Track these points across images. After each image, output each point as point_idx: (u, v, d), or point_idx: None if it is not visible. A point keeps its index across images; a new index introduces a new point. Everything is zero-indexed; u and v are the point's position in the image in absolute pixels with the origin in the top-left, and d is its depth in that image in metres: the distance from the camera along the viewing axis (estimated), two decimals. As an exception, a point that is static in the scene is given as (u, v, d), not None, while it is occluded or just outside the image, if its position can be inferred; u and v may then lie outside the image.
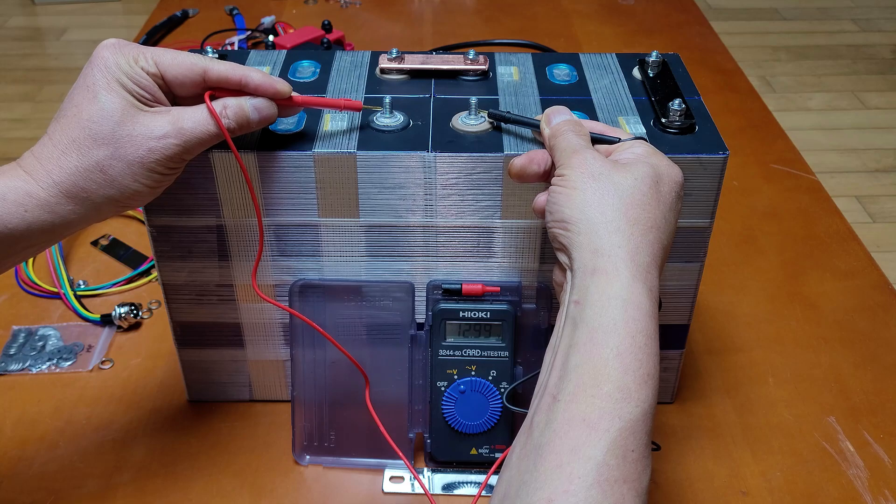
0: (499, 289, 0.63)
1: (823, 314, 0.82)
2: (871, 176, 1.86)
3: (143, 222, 0.78)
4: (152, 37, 1.31)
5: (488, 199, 0.60)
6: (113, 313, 0.78)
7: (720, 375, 0.75)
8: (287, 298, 0.64)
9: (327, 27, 1.21)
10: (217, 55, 0.67)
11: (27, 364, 0.75)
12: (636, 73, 0.68)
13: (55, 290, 0.82)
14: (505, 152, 0.58)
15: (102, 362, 0.76)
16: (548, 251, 0.63)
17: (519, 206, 0.61)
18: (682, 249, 0.63)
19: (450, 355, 0.64)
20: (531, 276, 0.64)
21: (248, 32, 1.29)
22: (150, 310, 0.81)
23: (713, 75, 1.24)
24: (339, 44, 1.21)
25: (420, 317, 0.65)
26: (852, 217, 1.72)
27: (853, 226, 0.94)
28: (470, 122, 0.61)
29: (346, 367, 0.63)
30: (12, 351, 0.77)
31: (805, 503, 0.64)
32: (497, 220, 0.61)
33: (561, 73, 0.69)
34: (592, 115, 0.63)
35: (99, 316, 0.79)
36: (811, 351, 0.78)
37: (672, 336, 0.68)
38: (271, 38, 1.20)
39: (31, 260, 0.86)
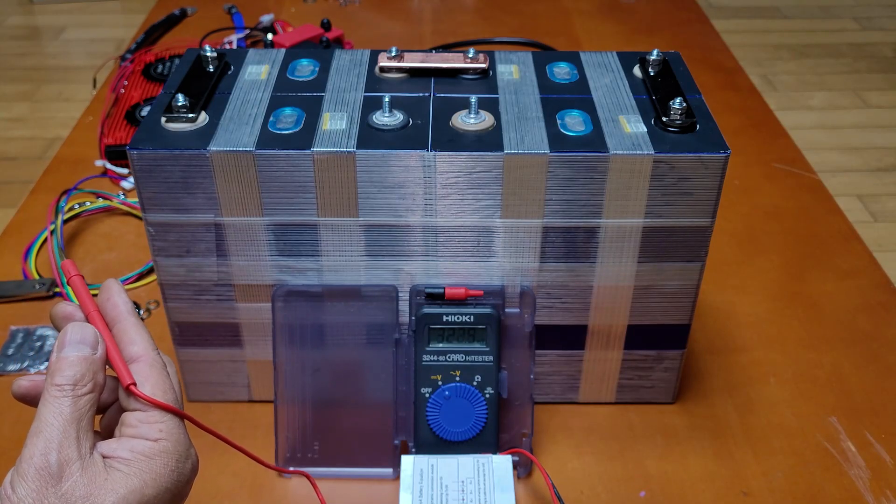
0: (482, 292, 0.62)
1: (825, 314, 0.82)
2: (872, 175, 1.86)
3: (140, 219, 0.78)
4: (150, 35, 1.31)
5: (488, 198, 0.60)
6: (111, 313, 0.78)
7: (721, 375, 0.75)
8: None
9: (326, 25, 1.21)
10: (216, 53, 0.66)
11: (25, 364, 0.75)
12: (637, 71, 0.68)
13: (57, 289, 0.82)
14: (505, 151, 0.58)
15: (101, 362, 0.75)
16: (548, 251, 0.62)
17: (519, 206, 0.60)
18: (683, 249, 0.63)
19: (434, 360, 0.63)
20: (532, 275, 0.63)
21: (247, 31, 1.28)
22: (148, 310, 0.81)
23: (714, 74, 1.23)
24: (339, 42, 1.20)
25: (404, 321, 0.64)
26: (854, 216, 1.71)
27: (855, 225, 0.94)
28: (470, 120, 0.61)
29: (331, 375, 0.62)
30: (10, 351, 0.76)
31: (807, 504, 0.64)
32: (497, 220, 0.61)
33: (561, 71, 0.68)
34: (593, 114, 0.62)
35: (97, 315, 0.79)
36: (813, 351, 0.77)
37: (673, 336, 0.67)
38: (270, 36, 1.20)
39: (31, 259, 0.86)
